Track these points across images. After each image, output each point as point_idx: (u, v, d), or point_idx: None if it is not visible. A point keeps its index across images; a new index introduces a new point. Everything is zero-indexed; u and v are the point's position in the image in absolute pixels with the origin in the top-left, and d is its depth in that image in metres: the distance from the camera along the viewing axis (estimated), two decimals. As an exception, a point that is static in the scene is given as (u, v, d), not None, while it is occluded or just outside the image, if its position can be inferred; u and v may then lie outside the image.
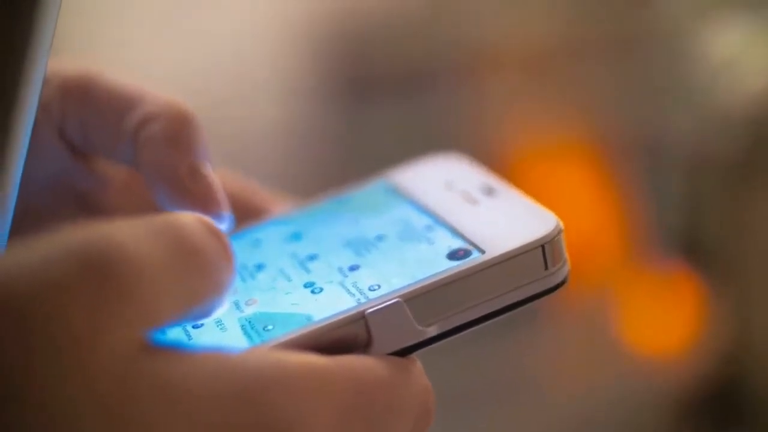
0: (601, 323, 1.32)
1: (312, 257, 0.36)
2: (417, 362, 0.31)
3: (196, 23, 1.29)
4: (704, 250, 1.36)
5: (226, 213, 0.36)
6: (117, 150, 0.38)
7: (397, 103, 1.29)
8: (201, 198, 0.35)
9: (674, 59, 1.33)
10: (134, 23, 1.28)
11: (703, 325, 1.32)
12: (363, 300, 0.32)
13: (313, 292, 0.34)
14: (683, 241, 1.37)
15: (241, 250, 0.31)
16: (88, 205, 0.40)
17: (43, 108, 0.37)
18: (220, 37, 1.29)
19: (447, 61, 1.32)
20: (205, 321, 0.32)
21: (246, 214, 0.40)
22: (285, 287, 0.35)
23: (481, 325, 0.32)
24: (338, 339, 0.31)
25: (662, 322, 1.33)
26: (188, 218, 0.29)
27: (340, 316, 0.31)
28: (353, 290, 0.33)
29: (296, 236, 0.38)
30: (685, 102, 1.32)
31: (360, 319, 0.31)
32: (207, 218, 0.29)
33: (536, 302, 0.33)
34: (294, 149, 1.32)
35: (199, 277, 0.28)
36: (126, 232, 0.27)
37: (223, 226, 0.35)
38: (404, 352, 0.31)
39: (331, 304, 0.33)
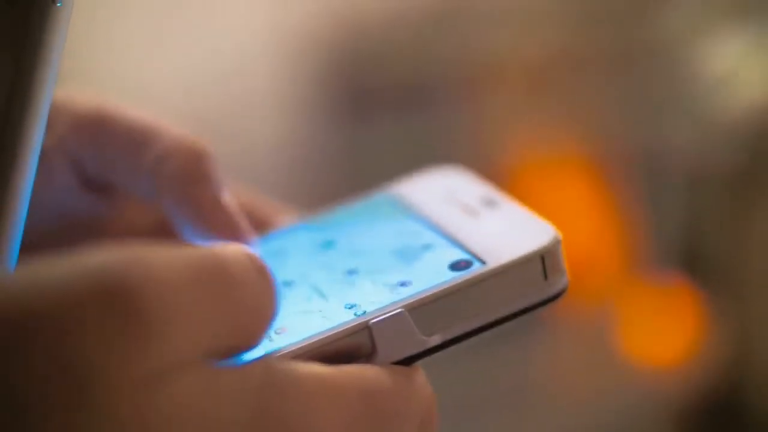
0: (602, 335, 1.33)
1: (320, 266, 0.37)
2: (420, 371, 0.32)
3: (195, 39, 1.30)
4: (704, 262, 1.36)
5: (252, 240, 0.37)
6: (135, 185, 0.38)
7: (398, 117, 1.29)
8: (226, 228, 0.36)
9: (674, 73, 1.33)
10: (134, 39, 1.28)
11: (702, 337, 1.32)
12: (369, 309, 0.33)
13: (320, 298, 0.35)
14: (683, 254, 1.37)
15: None
16: (102, 240, 0.40)
17: (58, 144, 0.37)
18: (219, 52, 1.29)
19: (448, 76, 1.32)
20: None
21: (252, 225, 0.41)
22: (292, 295, 0.35)
23: (482, 334, 0.33)
24: (343, 349, 0.32)
25: (662, 334, 1.34)
26: (233, 251, 0.28)
27: (345, 327, 0.32)
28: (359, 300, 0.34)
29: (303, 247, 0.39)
30: (685, 115, 1.32)
31: (364, 329, 0.32)
32: (254, 253, 0.29)
33: (537, 312, 0.34)
34: (294, 164, 1.32)
35: (238, 313, 0.28)
36: (161, 259, 0.26)
37: None
38: (408, 361, 0.32)
39: (338, 313, 0.33)
